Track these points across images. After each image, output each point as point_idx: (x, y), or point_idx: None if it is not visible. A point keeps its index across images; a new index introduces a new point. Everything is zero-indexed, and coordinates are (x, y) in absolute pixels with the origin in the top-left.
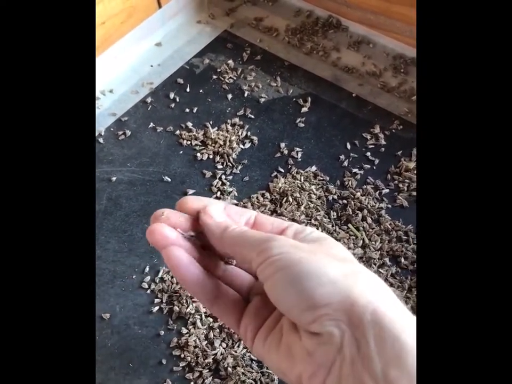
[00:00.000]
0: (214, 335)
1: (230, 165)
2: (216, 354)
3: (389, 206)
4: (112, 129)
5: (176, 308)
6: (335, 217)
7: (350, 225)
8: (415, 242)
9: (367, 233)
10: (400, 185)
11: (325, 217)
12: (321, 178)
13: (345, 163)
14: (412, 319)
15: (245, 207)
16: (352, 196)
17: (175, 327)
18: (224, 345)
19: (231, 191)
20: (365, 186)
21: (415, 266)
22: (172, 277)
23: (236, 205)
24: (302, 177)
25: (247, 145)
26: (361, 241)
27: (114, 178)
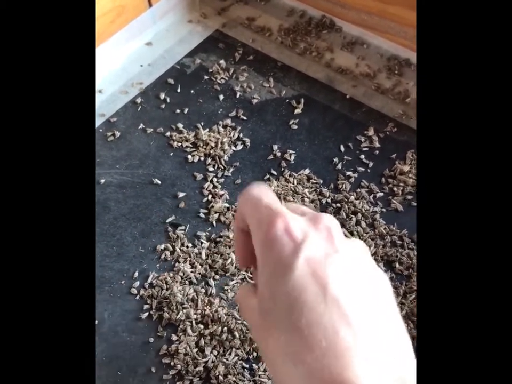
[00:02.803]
0: (204, 342)
1: (222, 167)
2: (207, 362)
3: (383, 210)
4: (101, 130)
5: (166, 315)
6: None
7: (343, 229)
8: (410, 247)
9: (361, 237)
10: (395, 188)
11: None
12: (315, 181)
13: (339, 166)
14: None
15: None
16: (346, 200)
17: (165, 334)
18: (215, 352)
19: (223, 194)
20: (359, 190)
21: (410, 271)
22: (162, 282)
23: (228, 209)
24: (295, 180)
25: (239, 147)
26: None
27: (103, 181)
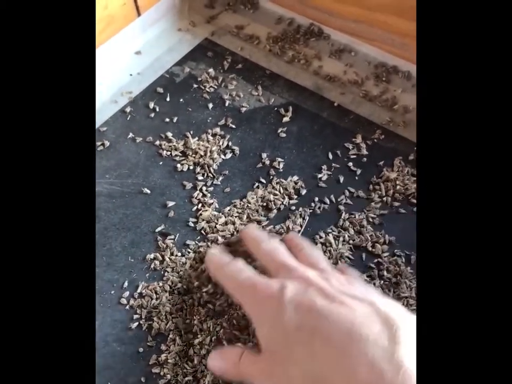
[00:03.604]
0: (194, 352)
1: (211, 176)
2: (196, 371)
3: (371, 217)
4: None
5: (155, 324)
6: None
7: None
8: (397, 254)
9: (348, 244)
10: (383, 195)
11: None
12: None
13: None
14: None
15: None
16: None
17: (155, 344)
18: (204, 362)
19: (212, 203)
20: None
21: (398, 278)
22: (151, 292)
23: (217, 218)
24: (282, 188)
25: (228, 155)
26: None
27: None
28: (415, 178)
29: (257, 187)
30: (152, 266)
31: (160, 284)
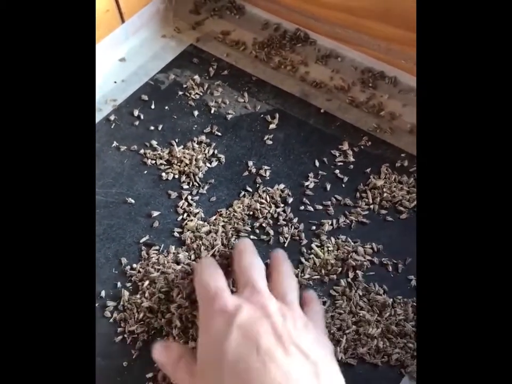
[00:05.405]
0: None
1: (197, 184)
2: None
3: (358, 224)
4: None
5: (140, 337)
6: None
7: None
8: (385, 262)
9: (337, 252)
10: (370, 203)
11: None
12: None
13: (314, 181)
14: None
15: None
16: None
17: (139, 358)
18: None
19: (198, 212)
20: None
21: (384, 288)
22: (133, 305)
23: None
24: (268, 196)
25: (214, 163)
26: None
27: None
28: (402, 186)
29: (244, 196)
30: (136, 278)
31: (146, 295)
